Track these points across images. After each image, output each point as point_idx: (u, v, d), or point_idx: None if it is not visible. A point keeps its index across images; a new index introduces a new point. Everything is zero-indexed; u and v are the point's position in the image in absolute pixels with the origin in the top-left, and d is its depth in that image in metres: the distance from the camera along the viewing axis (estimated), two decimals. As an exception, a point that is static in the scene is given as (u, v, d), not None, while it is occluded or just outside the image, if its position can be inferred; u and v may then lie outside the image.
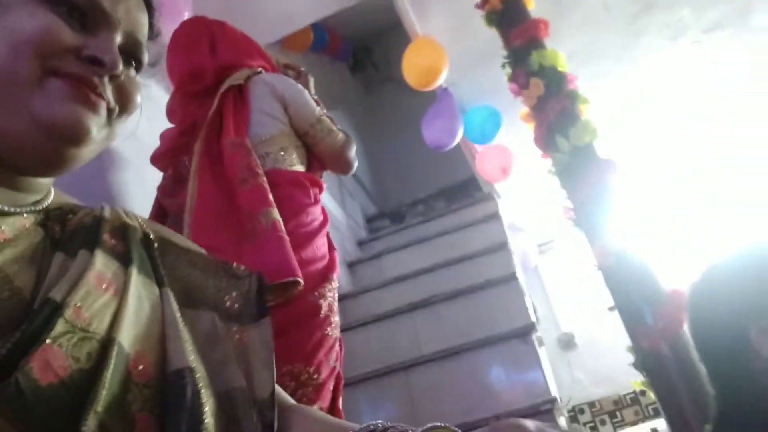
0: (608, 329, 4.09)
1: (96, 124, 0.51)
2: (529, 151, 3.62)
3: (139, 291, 0.50)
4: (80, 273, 0.46)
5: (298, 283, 1.24)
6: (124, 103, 0.54)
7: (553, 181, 1.96)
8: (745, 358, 0.66)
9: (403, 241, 3.56)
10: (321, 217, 1.52)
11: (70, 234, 0.51)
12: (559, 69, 1.99)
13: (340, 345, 1.44)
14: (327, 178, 3.92)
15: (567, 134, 1.85)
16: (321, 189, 1.59)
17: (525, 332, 2.21)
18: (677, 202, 4.22)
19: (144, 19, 0.58)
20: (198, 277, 0.58)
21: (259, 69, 1.66)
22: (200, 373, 0.48)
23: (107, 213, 0.55)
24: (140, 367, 0.45)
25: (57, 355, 0.40)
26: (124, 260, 0.51)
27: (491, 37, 2.58)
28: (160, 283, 0.53)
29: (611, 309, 1.68)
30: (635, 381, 1.56)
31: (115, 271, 0.49)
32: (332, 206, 3.61)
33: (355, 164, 1.66)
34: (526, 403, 1.94)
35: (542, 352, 2.31)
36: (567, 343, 4.37)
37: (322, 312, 1.36)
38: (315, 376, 1.28)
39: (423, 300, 2.70)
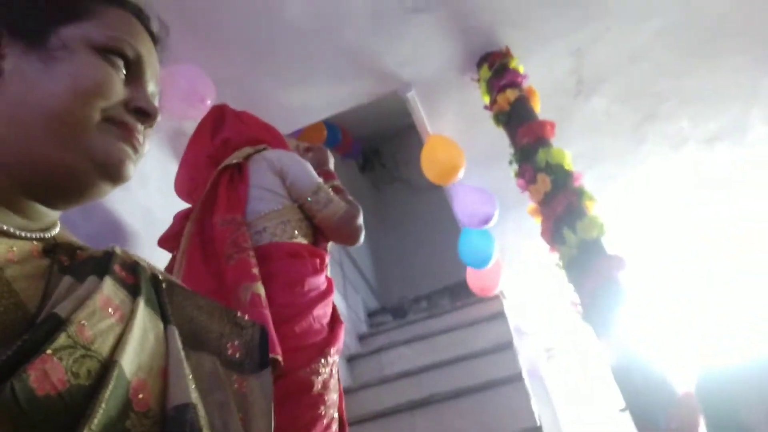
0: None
1: (134, 167, 0.58)
2: (534, 248, 3.64)
3: (145, 322, 0.50)
4: (87, 294, 0.47)
5: (277, 360, 1.21)
6: (142, 150, 0.60)
7: (560, 275, 1.94)
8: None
9: (405, 337, 3.48)
10: (323, 288, 1.48)
11: (80, 263, 0.52)
12: (566, 167, 2.05)
13: (342, 425, 1.36)
14: (330, 268, 3.89)
15: (574, 228, 1.86)
16: (322, 259, 1.55)
17: (531, 435, 2.10)
18: (686, 299, 4.16)
19: (159, 70, 0.64)
20: (203, 321, 0.59)
21: (263, 146, 1.70)
22: (201, 413, 0.47)
23: (118, 251, 0.57)
24: (140, 396, 0.44)
25: (56, 368, 0.40)
26: (133, 291, 0.52)
27: (497, 137, 2.68)
28: (165, 320, 0.53)
29: (622, 410, 1.60)
30: (650, 489, 1.46)
31: (122, 299, 0.50)
32: (334, 298, 3.56)
33: (361, 235, 1.61)
34: None
35: (549, 459, 2.18)
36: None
37: (315, 389, 1.30)
38: None
39: (424, 398, 2.59)
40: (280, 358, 1.22)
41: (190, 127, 2.54)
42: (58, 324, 0.42)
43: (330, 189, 1.63)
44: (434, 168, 2.79)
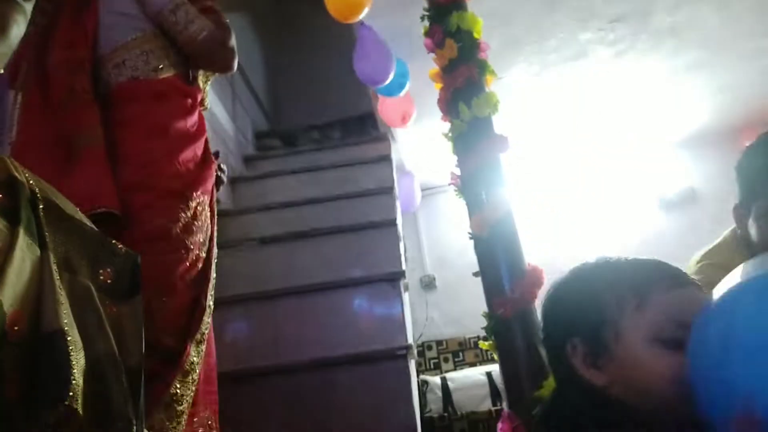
0: (466, 280, 4.44)
1: None
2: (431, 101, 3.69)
3: (24, 252, 0.51)
4: None
5: (113, 214, 1.20)
6: None
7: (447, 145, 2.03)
8: (565, 367, 0.78)
9: (293, 167, 3.53)
10: (192, 130, 1.42)
11: None
12: (475, 35, 2.03)
13: (209, 262, 1.39)
14: (220, 86, 3.68)
15: (470, 103, 1.91)
16: (194, 97, 1.47)
17: (394, 278, 2.34)
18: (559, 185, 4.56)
19: None
20: (77, 246, 0.60)
21: None
22: (72, 337, 0.51)
23: None
24: (16, 328, 0.47)
25: None
26: (13, 218, 0.52)
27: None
28: (42, 245, 0.54)
29: (476, 274, 1.82)
30: (483, 343, 1.73)
31: (1, 229, 0.51)
32: (222, 116, 3.46)
33: (233, 61, 1.50)
34: (384, 346, 2.09)
35: (406, 298, 2.47)
36: (428, 284, 4.68)
37: (173, 234, 1.30)
38: (164, 299, 1.24)
39: (303, 231, 2.73)
40: (116, 211, 1.20)
41: None
42: None
43: (194, 9, 1.46)
44: (336, 3, 2.62)
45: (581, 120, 4.23)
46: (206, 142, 1.52)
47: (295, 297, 2.37)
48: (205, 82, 1.65)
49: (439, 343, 4.34)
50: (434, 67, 2.18)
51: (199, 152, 1.46)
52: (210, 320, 1.37)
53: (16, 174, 0.56)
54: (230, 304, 2.31)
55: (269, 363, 2.10)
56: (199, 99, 1.53)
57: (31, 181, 0.58)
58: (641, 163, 4.70)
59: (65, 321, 0.51)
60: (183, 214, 1.33)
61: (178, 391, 1.19)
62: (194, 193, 1.37)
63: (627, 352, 0.71)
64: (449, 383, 3.72)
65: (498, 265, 1.74)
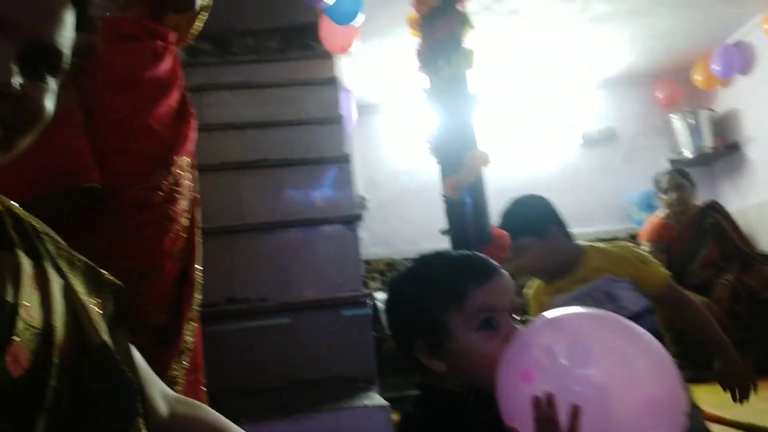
0: (398, 202, 4.50)
1: None
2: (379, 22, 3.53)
3: (53, 282, 0.56)
4: (15, 273, 0.52)
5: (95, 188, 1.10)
6: (26, 119, 0.52)
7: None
8: (414, 359, 0.90)
9: (229, 80, 3.30)
10: (165, 78, 1.29)
11: None
12: (456, -16, 1.94)
13: (191, 235, 1.31)
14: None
15: (450, 59, 1.86)
16: (165, 37, 1.31)
17: (350, 221, 2.34)
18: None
19: (61, 16, 0.53)
20: (72, 276, 0.62)
21: None
22: (113, 348, 0.57)
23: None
24: (64, 356, 0.51)
25: (21, 350, 0.48)
26: (35, 255, 0.57)
27: None
28: (61, 274, 0.59)
29: (444, 233, 1.89)
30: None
31: (33, 266, 0.55)
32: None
33: None
34: (344, 293, 2.14)
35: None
36: (359, 204, 4.70)
37: (155, 203, 1.20)
38: (149, 274, 1.18)
39: (252, 161, 2.62)
40: (97, 184, 1.11)
41: None
42: (12, 309, 0.49)
43: None
44: None
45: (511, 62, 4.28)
46: (183, 91, 1.37)
47: (248, 234, 2.32)
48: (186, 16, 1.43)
49: (366, 262, 4.44)
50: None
51: (174, 104, 1.31)
52: (200, 296, 1.33)
53: (18, 211, 0.59)
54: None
55: (224, 307, 2.09)
56: (171, 39, 1.37)
57: (27, 217, 0.60)
58: (567, 102, 4.90)
59: (106, 337, 0.57)
60: (165, 181, 1.23)
61: (176, 373, 1.17)
62: (174, 156, 1.26)
63: (458, 345, 0.85)
64: (377, 303, 3.87)
65: (466, 228, 1.81)
